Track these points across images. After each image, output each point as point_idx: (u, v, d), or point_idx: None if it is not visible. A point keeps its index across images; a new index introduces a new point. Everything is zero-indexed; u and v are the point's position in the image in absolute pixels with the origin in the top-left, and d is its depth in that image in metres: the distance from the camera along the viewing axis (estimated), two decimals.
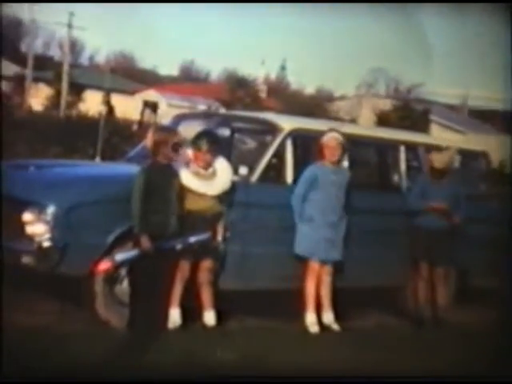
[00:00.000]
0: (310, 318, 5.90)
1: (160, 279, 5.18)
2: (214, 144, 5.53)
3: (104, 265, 5.09)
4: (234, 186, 5.65)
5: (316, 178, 5.96)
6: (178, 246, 5.22)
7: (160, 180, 5.23)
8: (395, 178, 7.07)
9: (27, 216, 5.20)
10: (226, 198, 5.60)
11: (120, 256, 5.13)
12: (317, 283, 5.96)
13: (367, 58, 59.15)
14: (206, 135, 5.64)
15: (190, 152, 5.53)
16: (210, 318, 5.58)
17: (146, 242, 5.09)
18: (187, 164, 5.48)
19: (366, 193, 6.53)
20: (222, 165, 5.60)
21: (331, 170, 5.99)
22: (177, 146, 5.31)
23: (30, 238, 5.19)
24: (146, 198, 5.12)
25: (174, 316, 5.48)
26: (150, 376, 4.37)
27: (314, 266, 5.96)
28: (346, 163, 6.24)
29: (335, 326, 5.98)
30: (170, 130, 5.74)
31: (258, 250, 5.83)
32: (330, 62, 63.21)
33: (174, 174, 5.35)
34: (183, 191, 5.39)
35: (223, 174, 5.57)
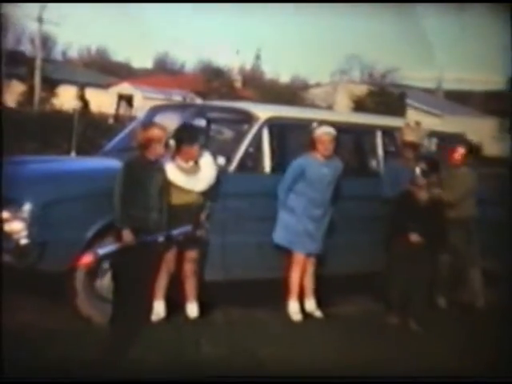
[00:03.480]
0: (293, 307, 5.91)
1: (143, 272, 5.16)
2: (197, 137, 5.54)
3: (86, 258, 5.06)
4: (217, 179, 5.64)
5: (303, 171, 5.91)
6: (160, 239, 5.22)
7: (143, 175, 5.21)
8: (373, 163, 7.09)
9: (4, 214, 5.15)
10: (210, 190, 5.59)
11: (102, 250, 5.11)
12: (300, 273, 5.95)
13: (341, 46, 59.20)
14: (188, 128, 5.65)
15: (172, 146, 5.50)
16: (192, 309, 5.57)
17: (128, 236, 5.07)
18: (172, 158, 5.46)
19: (344, 179, 6.54)
20: (205, 158, 5.59)
21: (323, 163, 5.94)
22: (165, 141, 5.33)
23: (8, 236, 5.14)
24: (128, 192, 5.11)
25: (158, 308, 5.47)
26: (136, 371, 4.36)
27: (300, 256, 5.95)
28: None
29: (318, 313, 6.00)
30: (162, 126, 5.64)
31: (237, 239, 5.82)
32: (305, 51, 63.18)
33: (159, 169, 5.33)
34: (168, 186, 5.37)
35: (207, 167, 5.56)
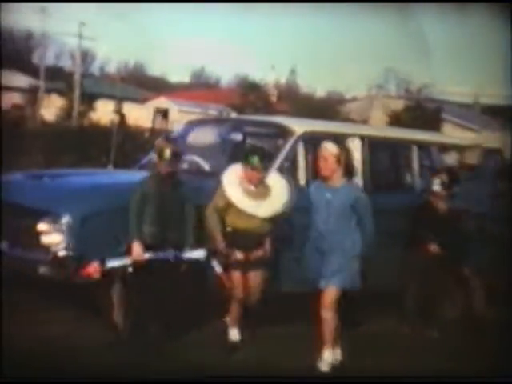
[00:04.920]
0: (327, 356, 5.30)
1: (156, 289, 5.12)
2: (264, 160, 5.39)
3: (92, 269, 5.06)
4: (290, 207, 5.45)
5: (309, 197, 5.31)
6: (171, 258, 5.14)
7: (158, 191, 5.17)
8: (408, 177, 7.06)
9: (42, 226, 5.23)
10: (279, 217, 5.43)
11: (111, 262, 5.11)
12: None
13: (377, 60, 59.03)
14: (257, 151, 5.46)
15: (239, 169, 5.40)
16: (234, 334, 5.51)
17: (137, 251, 5.06)
18: (238, 182, 5.35)
19: (379, 193, 6.52)
20: (277, 183, 5.46)
21: (327, 187, 5.19)
22: (177, 155, 5.26)
23: (46, 248, 5.22)
24: (142, 209, 5.10)
25: (232, 335, 5.47)
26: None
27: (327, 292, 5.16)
28: (357, 181, 5.76)
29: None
30: (168, 139, 5.65)
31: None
32: (341, 65, 63.15)
33: (176, 185, 5.27)
34: (230, 207, 5.31)
35: (277, 193, 5.42)
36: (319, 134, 6.48)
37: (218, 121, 7.96)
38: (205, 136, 6.96)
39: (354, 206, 5.09)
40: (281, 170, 6.06)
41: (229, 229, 5.33)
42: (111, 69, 58.54)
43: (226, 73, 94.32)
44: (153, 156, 5.39)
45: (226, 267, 5.34)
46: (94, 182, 6.03)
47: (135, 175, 6.51)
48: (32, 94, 35.73)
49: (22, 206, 5.39)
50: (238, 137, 6.66)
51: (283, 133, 6.28)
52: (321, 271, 5.10)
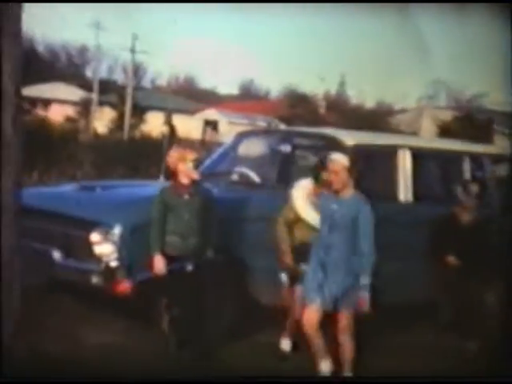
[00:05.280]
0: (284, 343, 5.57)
1: (182, 299, 5.08)
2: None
3: (124, 286, 5.11)
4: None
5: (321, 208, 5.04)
6: (189, 268, 5.07)
7: (176, 200, 5.08)
8: (459, 189, 6.96)
9: (95, 236, 5.30)
10: None
11: (140, 276, 5.12)
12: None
13: (427, 71, 58.42)
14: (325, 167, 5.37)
15: (309, 184, 5.36)
16: (285, 344, 5.51)
17: (158, 262, 4.99)
18: (307, 196, 5.30)
19: (429, 205, 6.45)
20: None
21: (334, 197, 4.90)
22: (197, 163, 5.17)
23: (98, 258, 5.29)
24: (163, 219, 5.04)
25: (284, 345, 5.48)
26: None
27: (309, 310, 4.88)
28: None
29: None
30: (187, 147, 5.51)
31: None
32: (390, 76, 62.70)
33: (196, 193, 5.13)
34: (299, 222, 5.29)
35: None
36: (369, 146, 6.45)
37: (267, 132, 7.97)
38: (254, 147, 6.99)
39: (357, 218, 4.78)
40: None
41: (297, 243, 5.29)
42: (163, 81, 59.39)
43: (275, 84, 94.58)
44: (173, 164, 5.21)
45: (292, 282, 5.28)
46: (145, 193, 6.09)
47: None
48: (85, 106, 36.42)
49: (74, 217, 5.47)
50: (287, 148, 6.66)
51: (333, 145, 6.24)
52: (323, 289, 4.81)
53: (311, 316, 4.81)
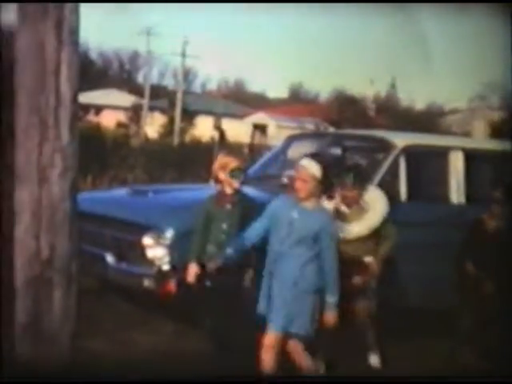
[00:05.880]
0: None
1: (215, 307, 4.98)
2: (360, 178, 5.18)
3: (169, 287, 5.14)
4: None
5: (275, 213, 4.42)
6: (221, 279, 4.85)
7: (218, 210, 4.96)
8: None
9: (147, 240, 5.37)
10: (384, 233, 5.16)
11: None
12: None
13: (478, 72, 57.61)
14: (352, 169, 5.31)
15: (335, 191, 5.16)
16: (374, 360, 5.36)
17: (190, 271, 4.90)
18: (333, 205, 5.13)
19: (483, 207, 6.35)
20: (373, 199, 5.23)
21: (295, 204, 4.35)
22: (236, 172, 4.97)
23: (151, 262, 5.35)
24: (205, 228, 4.95)
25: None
26: None
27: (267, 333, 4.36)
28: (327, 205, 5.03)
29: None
30: (232, 153, 5.39)
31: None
32: (441, 77, 61.97)
33: (238, 202, 4.98)
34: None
35: (373, 210, 5.17)
36: (420, 148, 6.40)
37: (317, 135, 7.98)
38: (304, 151, 6.99)
39: (319, 234, 4.27)
40: (381, 184, 6.02)
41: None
42: (212, 86, 59.87)
43: (324, 87, 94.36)
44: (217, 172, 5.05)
45: None
46: (196, 197, 6.14)
47: None
48: (136, 112, 36.95)
49: (126, 221, 5.55)
50: (338, 151, 6.65)
51: (384, 147, 6.22)
52: (267, 303, 4.36)
53: (265, 338, 4.31)
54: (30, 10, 2.78)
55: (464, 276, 5.72)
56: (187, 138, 30.23)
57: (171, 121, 35.27)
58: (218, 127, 28.57)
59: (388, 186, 6.13)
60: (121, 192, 6.53)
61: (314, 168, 4.30)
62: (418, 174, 6.51)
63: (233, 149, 22.81)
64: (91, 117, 35.53)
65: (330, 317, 4.33)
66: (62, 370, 3.16)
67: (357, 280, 5.05)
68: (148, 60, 41.23)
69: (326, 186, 4.43)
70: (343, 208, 5.16)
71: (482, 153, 6.80)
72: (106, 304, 6.00)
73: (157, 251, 5.33)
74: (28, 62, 2.79)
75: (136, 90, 41.64)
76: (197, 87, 59.06)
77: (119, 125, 34.80)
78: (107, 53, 57.99)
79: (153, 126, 35.26)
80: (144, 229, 5.39)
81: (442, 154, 6.41)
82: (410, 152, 6.16)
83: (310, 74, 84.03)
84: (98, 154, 15.61)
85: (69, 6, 2.82)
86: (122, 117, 37.03)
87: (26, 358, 3.01)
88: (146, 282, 5.32)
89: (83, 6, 2.86)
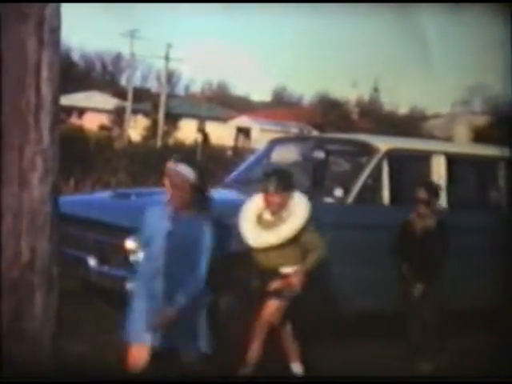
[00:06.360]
0: None
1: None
2: (285, 183, 4.85)
3: None
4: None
5: (145, 221, 4.12)
6: None
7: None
8: (494, 195, 6.90)
9: (129, 243, 5.34)
10: (307, 244, 4.82)
11: None
12: None
13: (460, 77, 57.94)
14: (275, 173, 4.98)
15: (259, 198, 4.95)
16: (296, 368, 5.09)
17: None
18: (256, 212, 4.91)
19: (462, 211, 6.40)
20: (296, 205, 4.86)
21: (169, 214, 4.05)
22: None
23: (133, 265, 5.32)
24: None
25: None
26: None
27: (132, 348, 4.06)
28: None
29: None
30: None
31: (355, 270, 5.78)
32: (424, 81, 62.36)
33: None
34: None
35: (293, 216, 4.82)
36: (403, 152, 6.43)
37: (300, 139, 7.99)
38: (287, 154, 7.00)
39: (196, 241, 4.00)
40: (364, 187, 6.04)
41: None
42: (196, 89, 59.81)
43: (307, 91, 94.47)
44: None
45: None
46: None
47: (219, 193, 6.61)
48: (119, 114, 36.85)
49: (109, 224, 5.52)
50: (321, 155, 6.66)
51: (367, 150, 6.25)
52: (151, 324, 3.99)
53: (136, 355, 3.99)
54: (10, 11, 2.77)
55: (400, 279, 5.69)
56: (171, 141, 30.19)
57: (154, 123, 35.21)
58: (201, 130, 28.56)
59: (370, 190, 6.17)
60: (103, 195, 6.50)
61: (188, 173, 3.99)
62: (400, 178, 6.55)
63: (216, 152, 22.81)
64: (74, 119, 35.41)
65: (171, 312, 3.92)
66: (42, 370, 3.14)
67: (274, 286, 4.78)
68: (131, 62, 41.14)
69: (201, 191, 4.08)
70: (266, 215, 4.88)
71: (463, 157, 6.85)
72: (88, 307, 5.97)
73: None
74: (9, 62, 2.77)
75: (119, 93, 41.55)
76: (180, 90, 59.03)
77: (102, 127, 34.69)
78: (90, 55, 57.81)
79: (136, 128, 35.16)
80: (126, 232, 5.35)
81: (424, 158, 6.45)
82: (392, 156, 6.19)
83: (294, 77, 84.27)
84: (80, 156, 15.55)
85: (50, 6, 2.80)
86: (104, 119, 36.92)
87: (7, 358, 3.00)
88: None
89: (65, 7, 2.85)
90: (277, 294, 4.77)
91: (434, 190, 5.79)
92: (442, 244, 5.62)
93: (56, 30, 2.80)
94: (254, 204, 4.96)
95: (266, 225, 4.84)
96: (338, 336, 5.61)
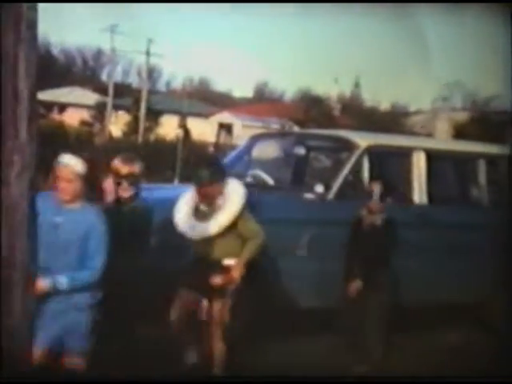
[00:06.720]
0: None
1: None
2: (217, 172, 4.71)
3: None
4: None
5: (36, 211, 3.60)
6: None
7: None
8: (474, 191, 6.94)
9: None
10: (246, 233, 4.68)
11: None
12: None
13: (442, 73, 58.24)
14: (206, 164, 4.86)
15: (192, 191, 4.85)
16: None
17: None
18: (191, 205, 4.81)
19: (442, 208, 6.43)
20: (232, 192, 4.74)
21: (57, 207, 3.81)
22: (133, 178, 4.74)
23: None
24: None
25: None
26: None
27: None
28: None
29: None
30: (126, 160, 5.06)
31: (335, 267, 5.78)
32: (405, 78, 62.55)
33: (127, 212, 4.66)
34: None
35: (225, 210, 4.66)
36: (384, 148, 6.45)
37: (281, 135, 7.98)
38: (268, 150, 7.00)
39: (88, 233, 3.79)
40: (345, 183, 6.05)
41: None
42: (177, 84, 59.60)
43: (289, 87, 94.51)
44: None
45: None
46: (161, 195, 6.11)
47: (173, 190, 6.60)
48: (100, 110, 36.64)
49: None
50: (301, 151, 6.66)
51: (347, 146, 6.26)
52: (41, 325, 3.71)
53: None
54: None
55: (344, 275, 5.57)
56: (152, 137, 30.09)
57: (135, 119, 35.07)
58: (182, 126, 28.47)
59: (351, 185, 6.18)
60: None
61: (77, 165, 3.85)
62: (381, 174, 6.57)
63: (198, 148, 22.76)
64: (54, 115, 35.17)
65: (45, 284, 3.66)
66: (20, 366, 3.13)
67: (216, 280, 4.62)
68: (112, 58, 40.90)
69: (91, 183, 3.93)
70: (202, 206, 4.74)
71: (444, 153, 6.88)
72: None
73: None
74: None
75: (100, 88, 41.28)
76: (161, 85, 58.78)
77: (83, 123, 34.50)
78: (70, 50, 57.42)
79: (117, 124, 35.01)
80: None
81: (405, 154, 6.47)
82: (373, 152, 6.21)
83: (276, 73, 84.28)
84: (61, 152, 15.42)
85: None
86: (85, 115, 36.70)
87: None
88: None
89: (45, 2, 2.82)
90: (221, 290, 4.65)
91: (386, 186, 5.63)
92: (387, 241, 5.53)
93: (33, 26, 2.77)
94: (189, 197, 4.86)
95: (203, 216, 4.70)
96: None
